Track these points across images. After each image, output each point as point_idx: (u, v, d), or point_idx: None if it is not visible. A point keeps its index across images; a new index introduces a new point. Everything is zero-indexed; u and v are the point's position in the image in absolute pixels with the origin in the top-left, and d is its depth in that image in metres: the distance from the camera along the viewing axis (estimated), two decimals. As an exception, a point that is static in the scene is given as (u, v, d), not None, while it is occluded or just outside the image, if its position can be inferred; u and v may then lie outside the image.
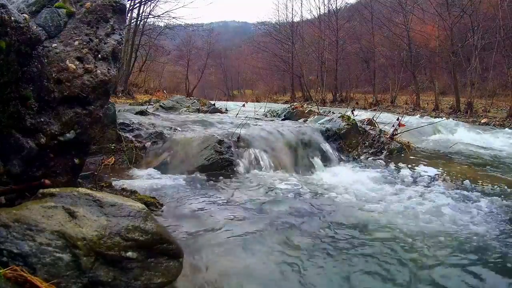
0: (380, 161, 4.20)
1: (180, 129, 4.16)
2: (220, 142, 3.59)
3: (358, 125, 5.09)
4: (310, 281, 1.58)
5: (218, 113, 7.59)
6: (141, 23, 18.06)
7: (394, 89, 19.91)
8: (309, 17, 33.48)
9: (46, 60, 1.68)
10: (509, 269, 1.73)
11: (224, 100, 15.88)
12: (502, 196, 2.90)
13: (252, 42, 34.89)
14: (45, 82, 1.67)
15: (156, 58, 23.75)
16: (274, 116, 8.38)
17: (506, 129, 8.99)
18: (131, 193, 2.32)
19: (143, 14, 17.79)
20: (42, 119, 1.65)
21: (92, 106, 1.79)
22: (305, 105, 12.12)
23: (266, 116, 8.45)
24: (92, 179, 2.45)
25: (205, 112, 7.51)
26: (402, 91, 20.48)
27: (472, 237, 2.06)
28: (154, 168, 3.30)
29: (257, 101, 21.97)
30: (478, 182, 3.29)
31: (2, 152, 1.53)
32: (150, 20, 19.27)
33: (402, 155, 4.58)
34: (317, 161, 3.93)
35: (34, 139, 1.62)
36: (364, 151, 4.59)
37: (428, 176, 3.49)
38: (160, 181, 2.97)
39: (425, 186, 3.13)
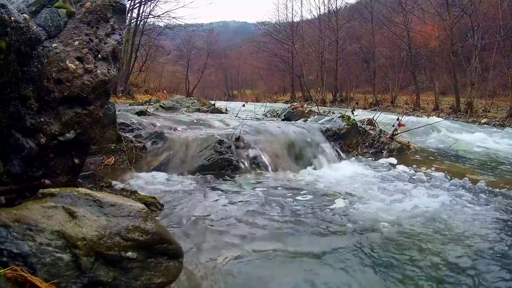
0: (380, 161, 4.20)
1: (180, 129, 4.16)
2: (220, 142, 3.59)
3: (358, 125, 5.09)
4: (312, 281, 1.58)
5: (218, 113, 7.59)
6: (141, 23, 18.08)
7: (394, 89, 19.90)
8: (309, 17, 33.47)
9: (46, 60, 1.68)
10: (509, 268, 1.73)
11: (224, 100, 15.88)
12: (502, 195, 2.90)
13: (252, 42, 34.84)
14: (45, 82, 1.66)
15: (156, 58, 23.75)
16: (274, 116, 8.39)
17: (506, 129, 8.99)
18: (131, 193, 2.32)
19: (143, 14, 17.83)
20: (42, 119, 1.65)
21: (92, 106, 1.79)
22: (305, 105, 12.13)
23: (266, 116, 8.46)
24: (92, 179, 2.45)
25: (205, 112, 7.52)
26: (402, 91, 20.47)
27: (472, 236, 2.06)
28: (154, 168, 3.30)
29: (257, 101, 21.98)
30: (478, 182, 3.29)
31: (2, 152, 1.53)
32: (150, 20, 19.31)
33: (402, 155, 4.58)
34: (317, 161, 3.93)
35: (34, 139, 1.62)
36: (364, 151, 4.59)
37: (428, 175, 3.49)
38: (160, 181, 2.97)
39: (424, 186, 3.13)
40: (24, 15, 1.58)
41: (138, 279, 1.27)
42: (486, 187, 3.14)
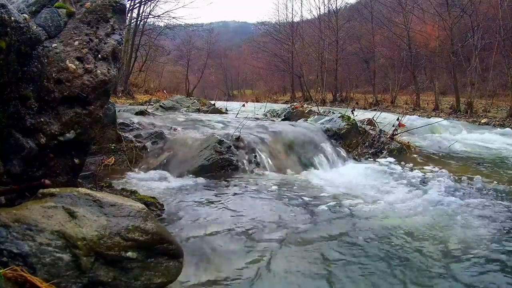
0: (380, 161, 4.20)
1: (180, 129, 4.16)
2: (220, 142, 3.59)
3: (358, 125, 5.09)
4: (312, 281, 1.58)
5: (218, 113, 7.60)
6: (141, 23, 18.05)
7: (394, 89, 19.89)
8: (309, 17, 33.46)
9: (46, 60, 1.68)
10: (509, 266, 1.73)
11: (224, 100, 15.88)
12: (501, 195, 2.90)
13: (252, 42, 34.82)
14: (45, 82, 1.66)
15: (156, 58, 23.73)
16: (274, 116, 8.38)
17: (506, 129, 8.99)
18: (131, 193, 2.31)
19: (143, 14, 17.79)
20: (42, 119, 1.65)
21: (92, 106, 1.79)
22: (305, 105, 12.13)
23: (266, 116, 8.45)
24: (92, 179, 2.45)
25: (205, 112, 7.52)
26: (402, 91, 20.45)
27: (472, 236, 2.06)
28: (154, 168, 3.30)
29: (257, 101, 21.96)
30: (478, 181, 3.29)
31: (2, 152, 1.53)
32: (150, 20, 19.27)
33: (402, 154, 4.57)
34: (317, 161, 3.93)
35: (34, 139, 1.62)
36: (364, 151, 4.59)
37: (428, 175, 3.49)
38: (160, 181, 2.97)
39: (425, 185, 3.13)
40: (24, 15, 1.58)
41: (138, 279, 1.27)
42: (486, 186, 3.15)
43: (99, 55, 1.84)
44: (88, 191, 1.41)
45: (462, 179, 3.35)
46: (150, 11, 18.57)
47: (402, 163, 4.06)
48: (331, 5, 26.07)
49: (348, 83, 24.36)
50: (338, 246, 1.91)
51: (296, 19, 31.98)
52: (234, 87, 46.99)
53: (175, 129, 4.08)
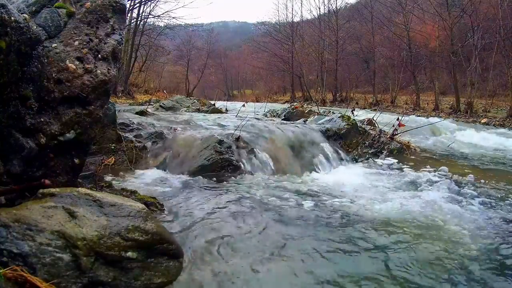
0: (380, 161, 4.20)
1: (180, 129, 4.16)
2: (220, 142, 3.59)
3: (358, 125, 5.09)
4: (310, 282, 1.58)
5: (218, 113, 7.60)
6: (141, 23, 18.08)
7: (394, 89, 19.89)
8: (309, 17, 33.51)
9: (46, 60, 1.68)
10: (509, 266, 1.73)
11: (224, 100, 15.88)
12: (501, 195, 2.90)
13: (252, 42, 34.86)
14: (45, 82, 1.67)
15: (156, 58, 23.74)
16: (274, 116, 8.38)
17: (506, 129, 8.99)
18: (131, 193, 2.31)
19: (143, 14, 17.83)
20: (42, 119, 1.65)
21: (92, 106, 1.79)
22: (305, 105, 12.14)
23: (266, 116, 8.45)
24: (92, 179, 2.45)
25: (205, 112, 7.52)
26: (402, 91, 20.46)
27: (472, 236, 2.06)
28: (154, 168, 3.30)
29: (257, 101, 21.95)
30: (477, 181, 3.29)
31: (2, 152, 1.53)
32: (150, 20, 19.31)
33: (402, 155, 4.57)
34: (317, 161, 3.93)
35: (34, 139, 1.62)
36: (364, 151, 4.58)
37: (428, 175, 3.49)
38: (160, 181, 2.97)
39: (425, 185, 3.13)
40: (24, 15, 1.58)
41: (138, 279, 1.27)
42: (485, 186, 3.15)
43: (99, 55, 1.84)
44: (88, 191, 1.41)
45: (461, 179, 3.35)
46: (150, 11, 18.64)
47: (402, 163, 4.06)
48: (331, 5, 26.11)
49: (348, 83, 24.35)
50: (338, 246, 1.90)
51: (296, 19, 32.07)
52: (234, 87, 47.01)
53: (175, 129, 4.08)
